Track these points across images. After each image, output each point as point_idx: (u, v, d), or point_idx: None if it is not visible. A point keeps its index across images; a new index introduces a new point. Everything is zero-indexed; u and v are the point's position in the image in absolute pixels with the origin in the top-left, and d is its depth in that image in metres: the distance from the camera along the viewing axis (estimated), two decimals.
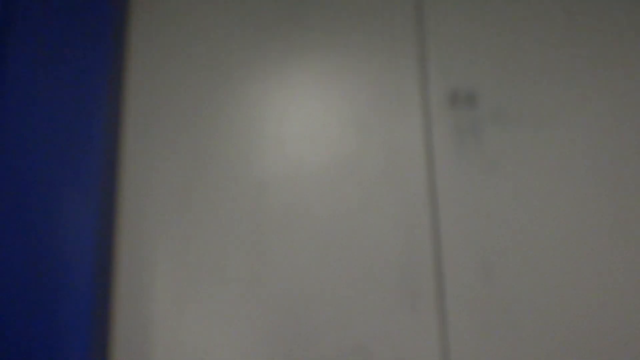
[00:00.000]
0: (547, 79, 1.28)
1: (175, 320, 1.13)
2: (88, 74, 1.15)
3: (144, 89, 1.26)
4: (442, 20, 1.31)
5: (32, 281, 1.03)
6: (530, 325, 1.14)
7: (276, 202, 1.20)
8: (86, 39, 1.17)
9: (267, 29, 1.30)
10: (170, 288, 1.15)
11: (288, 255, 1.18)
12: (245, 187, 1.21)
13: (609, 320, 1.15)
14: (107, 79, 1.16)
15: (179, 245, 1.17)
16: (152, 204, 1.19)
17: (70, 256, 1.05)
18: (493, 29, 1.31)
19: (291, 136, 1.24)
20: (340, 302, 1.17)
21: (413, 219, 1.20)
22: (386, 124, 1.25)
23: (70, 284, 1.04)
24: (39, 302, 1.02)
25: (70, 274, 1.04)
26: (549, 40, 1.30)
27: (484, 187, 1.22)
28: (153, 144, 1.23)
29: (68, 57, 1.16)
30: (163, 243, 1.17)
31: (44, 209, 1.07)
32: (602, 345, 1.14)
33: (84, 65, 1.15)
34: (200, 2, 1.31)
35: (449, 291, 1.16)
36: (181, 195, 1.20)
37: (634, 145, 1.26)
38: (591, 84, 1.28)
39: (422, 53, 1.30)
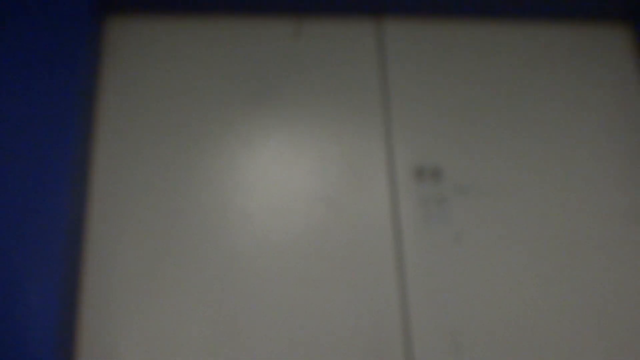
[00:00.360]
0: (507, 154, 1.35)
1: None
2: (53, 149, 1.16)
3: (112, 160, 1.27)
4: (407, 99, 1.37)
5: None
6: None
7: (244, 276, 1.20)
8: (51, 122, 1.18)
9: (237, 103, 1.34)
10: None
11: (256, 329, 1.16)
12: (212, 261, 1.20)
13: None
14: (74, 153, 1.17)
15: (145, 321, 1.15)
16: (118, 277, 1.18)
17: (32, 330, 1.03)
18: (455, 109, 1.38)
19: (259, 210, 1.23)
20: None
21: (381, 291, 1.20)
22: (354, 198, 1.27)
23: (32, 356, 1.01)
24: None
25: (32, 348, 1.02)
26: (508, 118, 1.37)
27: (451, 258, 1.25)
28: (120, 217, 1.23)
29: (36, 132, 1.16)
30: (128, 318, 1.15)
31: (5, 293, 1.05)
32: None
33: (50, 138, 1.16)
34: (170, 77, 1.34)
35: None
36: (148, 269, 1.19)
37: (589, 211, 1.32)
38: (547, 157, 1.35)
39: (388, 130, 1.35)
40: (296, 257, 1.22)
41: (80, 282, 1.16)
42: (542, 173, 1.33)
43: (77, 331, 1.13)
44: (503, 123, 1.37)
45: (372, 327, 1.18)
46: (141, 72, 1.33)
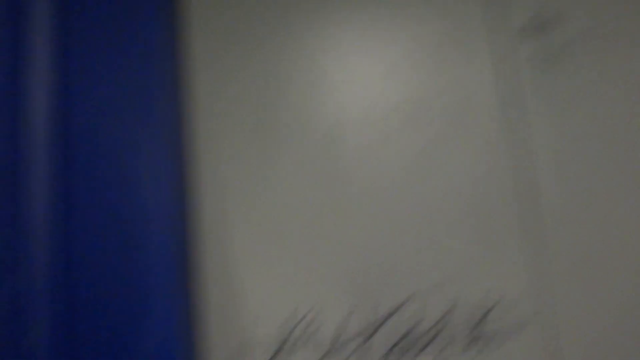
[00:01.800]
0: None
1: (255, 271, 1.10)
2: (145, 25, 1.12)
3: (206, 37, 1.21)
4: None
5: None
6: None
7: (350, 145, 1.17)
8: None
9: None
10: (248, 237, 1.12)
11: (363, 197, 1.13)
12: (316, 132, 1.19)
13: None
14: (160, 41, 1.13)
15: (254, 199, 1.14)
16: (226, 153, 1.17)
17: (148, 211, 1.01)
18: None
19: (359, 79, 1.22)
20: (419, 241, 1.11)
21: (488, 155, 1.15)
22: (455, 62, 1.21)
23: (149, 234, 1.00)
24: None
25: (150, 226, 1.00)
26: None
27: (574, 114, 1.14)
28: (219, 93, 1.20)
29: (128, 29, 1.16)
30: (238, 194, 1.14)
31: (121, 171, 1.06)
32: None
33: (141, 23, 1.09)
34: None
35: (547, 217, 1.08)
36: (253, 146, 1.17)
37: None
38: None
39: None
40: (401, 124, 1.15)
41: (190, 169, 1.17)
42: None
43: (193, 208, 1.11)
44: None
45: (482, 187, 1.12)
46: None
